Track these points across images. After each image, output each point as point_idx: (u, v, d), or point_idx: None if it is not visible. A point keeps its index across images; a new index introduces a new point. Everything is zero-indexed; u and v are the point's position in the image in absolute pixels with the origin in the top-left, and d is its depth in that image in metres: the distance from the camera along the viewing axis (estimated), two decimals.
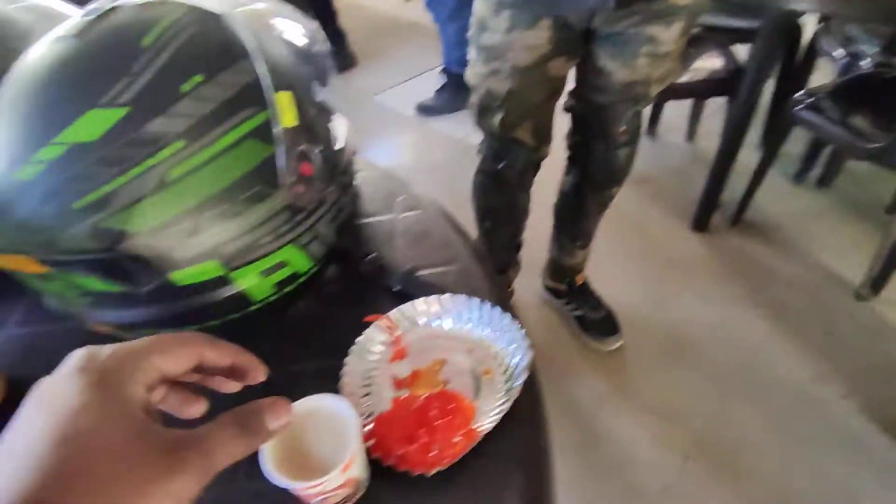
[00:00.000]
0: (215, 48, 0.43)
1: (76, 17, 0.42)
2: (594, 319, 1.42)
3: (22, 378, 0.51)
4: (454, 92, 2.28)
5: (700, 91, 1.69)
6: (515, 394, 0.44)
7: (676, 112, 2.12)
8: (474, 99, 1.09)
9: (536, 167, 1.20)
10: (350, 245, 0.61)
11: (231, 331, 0.49)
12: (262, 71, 0.43)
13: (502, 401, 0.45)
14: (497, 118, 1.07)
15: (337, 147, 0.54)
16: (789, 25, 1.69)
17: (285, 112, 0.45)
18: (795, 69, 1.88)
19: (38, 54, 0.41)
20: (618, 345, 1.40)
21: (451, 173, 1.64)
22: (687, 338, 1.45)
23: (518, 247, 1.43)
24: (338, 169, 0.53)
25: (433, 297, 0.52)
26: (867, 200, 1.81)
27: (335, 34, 2.77)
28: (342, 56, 2.79)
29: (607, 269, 1.62)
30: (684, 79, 1.64)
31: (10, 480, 0.21)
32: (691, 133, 2.10)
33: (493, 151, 1.16)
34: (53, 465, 0.22)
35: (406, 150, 2.31)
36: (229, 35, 0.43)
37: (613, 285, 1.56)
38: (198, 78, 0.40)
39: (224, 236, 0.42)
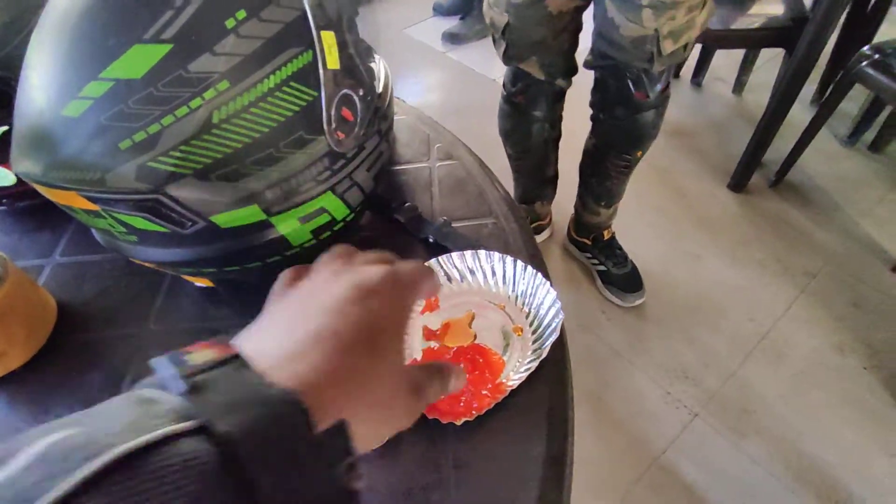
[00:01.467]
0: None
1: None
2: (618, 275, 1.41)
3: (71, 302, 0.53)
4: (479, 17, 2.19)
5: (754, 40, 1.58)
6: (544, 353, 0.44)
7: (726, 61, 2.00)
8: (488, 23, 1.07)
9: (555, 99, 1.17)
10: (386, 193, 0.60)
11: (270, 272, 0.50)
12: (307, 6, 0.41)
13: (531, 359, 0.45)
14: (501, 49, 1.06)
15: (378, 91, 0.53)
16: None
17: (330, 53, 0.43)
18: (865, 18, 1.74)
19: None
20: (639, 302, 1.40)
21: (483, 114, 1.59)
22: (710, 298, 1.43)
23: (548, 180, 1.40)
24: (379, 114, 0.52)
25: (468, 252, 0.51)
26: None
27: None
28: None
29: (636, 223, 1.59)
30: (737, 25, 1.53)
31: (297, 347, 0.24)
32: (740, 85, 1.98)
33: (509, 76, 1.16)
34: (350, 343, 0.25)
35: (437, 88, 2.25)
36: None
37: (641, 240, 1.54)
38: (241, 14, 0.39)
39: (265, 182, 0.42)
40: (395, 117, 0.71)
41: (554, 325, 0.46)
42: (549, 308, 0.48)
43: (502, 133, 1.28)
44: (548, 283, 0.49)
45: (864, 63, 1.37)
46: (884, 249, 1.51)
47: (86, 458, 0.16)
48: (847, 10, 1.74)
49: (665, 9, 0.88)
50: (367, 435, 0.25)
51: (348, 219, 0.51)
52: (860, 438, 1.19)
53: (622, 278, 1.41)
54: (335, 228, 0.50)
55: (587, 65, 1.10)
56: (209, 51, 0.38)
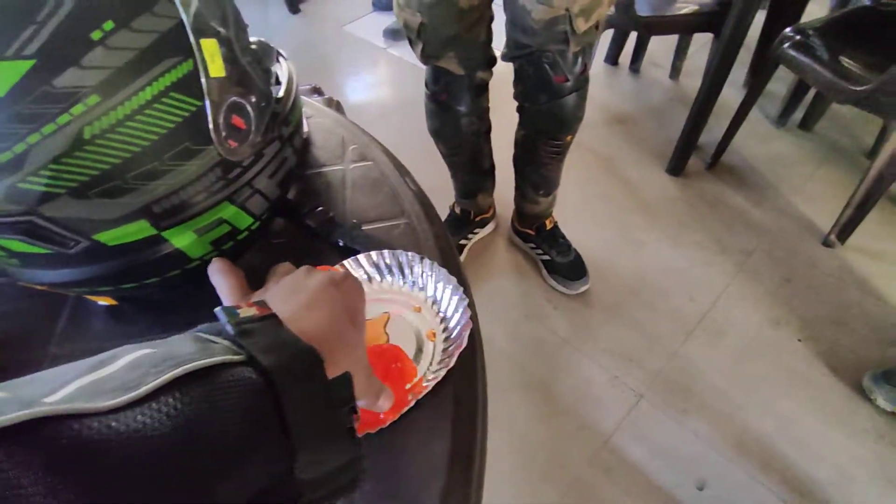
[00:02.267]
0: None
1: None
2: (562, 263, 1.44)
3: None
4: None
5: (684, 26, 1.62)
6: (451, 363, 0.44)
7: (662, 47, 2.05)
8: (402, 25, 1.08)
9: (478, 92, 1.18)
10: (299, 197, 0.60)
11: (172, 286, 0.49)
12: (183, 15, 0.40)
13: (437, 368, 0.45)
14: (418, 49, 1.07)
15: (278, 95, 0.52)
16: None
17: (213, 61, 0.42)
18: (788, 1, 1.80)
19: None
20: (584, 289, 1.43)
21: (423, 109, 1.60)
22: (653, 281, 1.48)
23: (485, 172, 1.41)
24: (278, 119, 0.51)
25: (377, 252, 0.51)
26: (848, 145, 1.80)
27: None
28: None
29: (578, 210, 1.62)
30: (669, 12, 1.57)
31: (308, 320, 0.32)
32: (675, 70, 2.04)
33: (430, 75, 1.17)
34: (338, 317, 0.34)
35: (379, 84, 2.24)
36: None
37: (583, 227, 1.57)
38: (109, 25, 0.37)
39: (151, 196, 0.41)
40: (310, 120, 0.70)
41: (463, 335, 0.45)
42: (460, 317, 0.47)
43: (432, 132, 1.28)
44: (460, 288, 0.48)
45: (787, 45, 1.42)
46: (815, 225, 1.58)
47: (173, 366, 0.22)
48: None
49: None
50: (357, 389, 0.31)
51: (253, 227, 0.50)
52: (796, 407, 1.25)
53: (566, 266, 1.44)
54: (239, 238, 0.49)
55: (504, 57, 1.11)
56: (76, 64, 0.36)
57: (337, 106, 1.24)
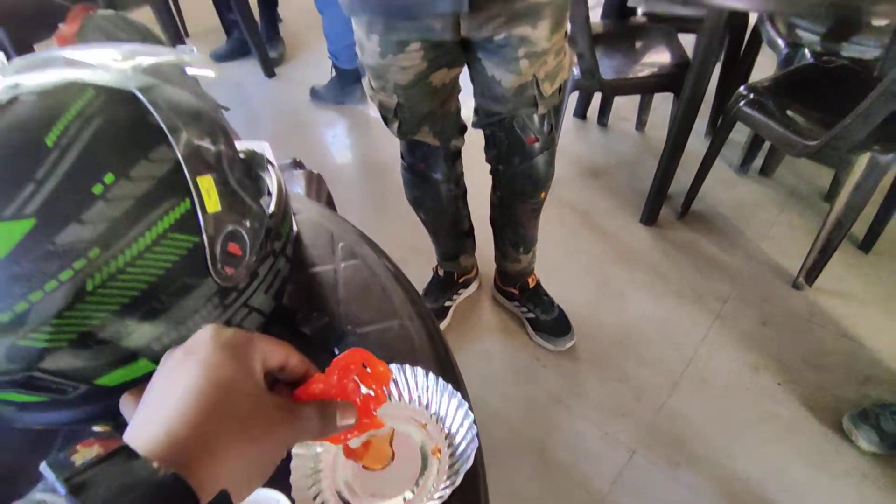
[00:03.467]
0: (127, 137, 0.41)
1: None
2: (546, 321, 1.46)
3: None
4: (340, 85, 2.33)
5: (646, 87, 1.71)
6: (457, 481, 0.44)
7: (627, 101, 2.15)
8: (376, 106, 1.13)
9: (452, 159, 1.23)
10: (290, 303, 0.61)
11: None
12: (180, 156, 0.42)
13: (445, 485, 0.45)
14: (394, 126, 1.12)
15: (269, 210, 0.54)
16: (734, 14, 1.72)
17: (209, 196, 0.44)
18: (740, 59, 1.92)
19: None
20: (570, 345, 1.45)
21: (389, 167, 1.64)
22: (636, 333, 1.50)
23: (464, 234, 1.44)
24: (271, 235, 0.52)
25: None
26: (806, 190, 1.89)
27: (272, 22, 2.71)
28: (276, 45, 2.72)
29: (558, 266, 1.65)
30: (631, 75, 1.65)
31: (167, 424, 0.27)
32: (641, 123, 2.13)
33: (406, 148, 1.22)
34: (207, 406, 0.28)
35: (355, 145, 2.28)
36: (141, 116, 0.41)
37: (565, 282, 1.60)
38: (109, 178, 0.39)
39: (152, 335, 0.41)
40: (298, 217, 0.72)
41: (469, 452, 0.45)
42: (466, 433, 0.47)
43: (411, 201, 1.32)
44: (465, 403, 0.48)
45: (742, 103, 1.51)
46: (783, 268, 1.64)
47: None
48: (724, 54, 1.93)
49: (538, 56, 0.98)
50: (249, 481, 0.29)
51: None
52: (781, 452, 1.26)
53: (551, 324, 1.45)
54: None
55: (476, 125, 1.17)
56: (76, 220, 0.37)
57: (318, 180, 1.26)
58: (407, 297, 0.61)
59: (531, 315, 1.47)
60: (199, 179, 0.43)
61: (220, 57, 2.72)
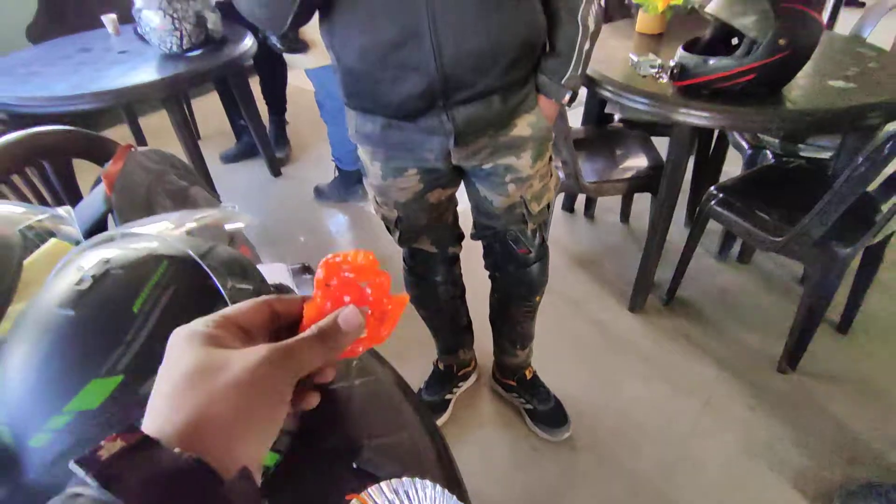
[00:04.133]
0: (194, 299, 0.51)
1: (70, 283, 0.50)
2: (544, 411, 1.52)
3: None
4: (342, 185, 2.50)
5: (626, 188, 1.87)
6: None
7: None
8: (380, 217, 1.24)
9: (451, 263, 1.34)
10: (310, 422, 0.69)
11: None
12: (228, 303, 0.52)
13: None
14: (395, 235, 1.24)
15: None
16: None
17: None
18: (711, 158, 2.10)
19: (40, 324, 0.48)
20: (566, 435, 1.50)
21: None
22: (631, 420, 1.56)
23: (463, 329, 1.53)
24: None
25: (395, 482, 0.59)
26: (782, 275, 2.01)
27: (280, 126, 2.91)
28: (283, 147, 2.92)
29: (553, 356, 1.73)
30: (611, 178, 1.81)
31: (178, 410, 0.28)
32: (625, 215, 2.28)
33: (407, 253, 1.32)
34: (206, 389, 0.28)
35: (358, 241, 2.42)
36: (202, 280, 0.52)
37: (560, 371, 1.67)
38: None
39: None
40: None
41: None
42: None
43: (412, 300, 1.42)
44: None
45: (713, 202, 1.65)
46: (767, 352, 1.72)
47: None
48: (696, 153, 2.11)
49: (523, 181, 1.11)
50: (262, 445, 0.30)
51: (280, 462, 0.58)
52: None
53: (548, 414, 1.51)
54: (269, 475, 0.57)
55: (474, 237, 1.30)
56: (156, 372, 0.47)
57: None
58: (416, 411, 0.69)
59: (529, 406, 1.53)
60: None
61: (230, 158, 2.91)
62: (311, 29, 1.98)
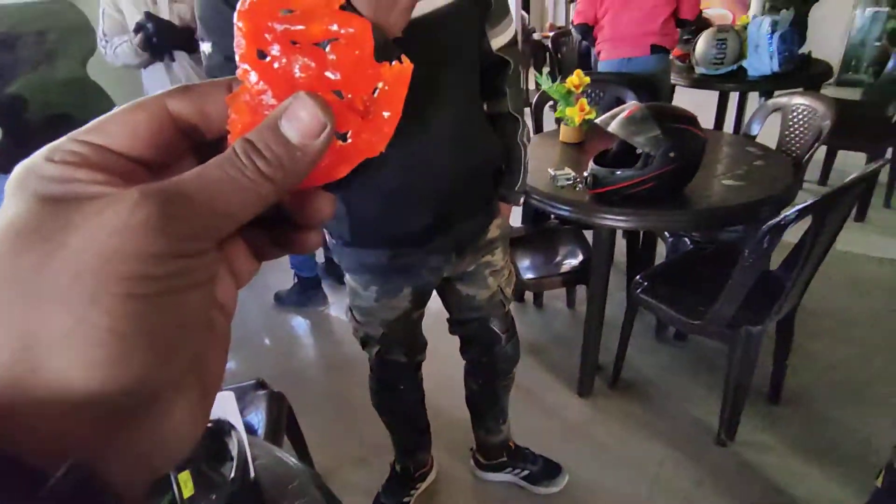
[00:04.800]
0: None
1: None
2: (539, 470, 1.64)
3: None
4: (302, 291, 2.61)
5: (562, 284, 2.03)
6: None
7: None
8: (355, 333, 1.33)
9: (416, 370, 1.45)
10: None
11: None
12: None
13: None
14: (374, 350, 1.34)
15: (231, 475, 0.71)
16: None
17: (185, 487, 0.62)
18: (643, 246, 2.30)
19: None
20: (567, 477, 1.64)
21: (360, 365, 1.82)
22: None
23: (422, 430, 1.60)
24: (234, 500, 0.69)
25: None
26: (714, 350, 2.14)
27: None
28: None
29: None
30: (548, 273, 1.97)
31: None
32: (570, 301, 2.43)
33: (377, 363, 1.40)
34: None
35: (316, 345, 2.50)
36: None
37: None
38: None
39: None
40: (258, 463, 0.88)
41: None
42: None
43: (376, 406, 1.50)
44: None
45: (639, 290, 1.81)
46: (707, 426, 1.82)
47: None
48: (627, 240, 2.30)
49: (499, 272, 1.29)
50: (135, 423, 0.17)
51: None
52: None
53: (543, 470, 1.64)
54: None
55: (453, 332, 1.43)
56: None
57: (279, 399, 1.43)
58: None
59: (526, 472, 1.64)
60: (180, 475, 0.61)
61: None
62: None
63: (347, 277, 1.24)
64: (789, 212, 1.37)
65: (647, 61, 2.67)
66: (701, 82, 3.00)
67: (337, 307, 2.64)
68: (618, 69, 2.70)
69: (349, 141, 0.21)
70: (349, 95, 0.21)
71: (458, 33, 0.98)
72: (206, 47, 0.85)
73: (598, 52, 2.81)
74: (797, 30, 3.87)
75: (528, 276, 1.94)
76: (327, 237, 1.21)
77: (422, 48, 0.64)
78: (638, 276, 1.86)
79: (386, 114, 0.22)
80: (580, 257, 2.02)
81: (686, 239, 2.09)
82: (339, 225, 1.11)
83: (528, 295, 2.51)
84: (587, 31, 2.81)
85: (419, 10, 0.86)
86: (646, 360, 2.12)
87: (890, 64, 3.14)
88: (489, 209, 1.22)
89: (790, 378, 1.89)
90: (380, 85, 0.21)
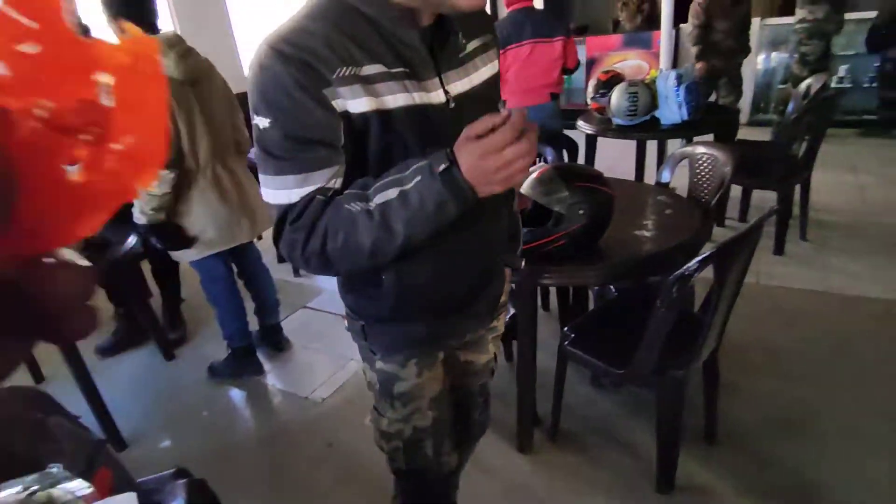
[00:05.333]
0: None
1: None
2: None
3: None
4: (235, 361, 2.52)
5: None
6: None
7: None
8: (396, 445, 1.19)
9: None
10: None
11: None
12: None
13: None
14: (429, 448, 1.19)
15: None
16: None
17: None
18: (574, 296, 2.35)
19: None
20: None
21: (298, 436, 1.74)
22: None
23: None
24: None
25: None
26: (650, 396, 2.18)
27: (174, 306, 2.92)
28: (177, 327, 2.90)
29: None
30: None
31: None
32: (508, 353, 2.44)
33: (415, 487, 1.30)
34: None
35: (253, 418, 2.40)
36: None
37: None
38: None
39: None
40: None
41: None
42: None
43: None
44: None
45: (567, 343, 1.84)
46: (646, 473, 1.83)
47: None
48: (559, 296, 2.35)
49: (497, 337, 1.32)
50: None
51: None
52: None
53: None
54: None
55: None
56: None
57: (202, 488, 1.35)
58: None
59: None
60: None
61: (107, 350, 2.77)
62: (193, 224, 2.13)
63: (380, 365, 1.12)
64: (692, 262, 1.44)
65: (545, 107, 3.35)
66: (619, 133, 3.17)
67: (273, 375, 2.57)
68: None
69: (80, 176, 0.14)
70: (51, 105, 0.14)
71: (494, 104, 1.04)
72: (262, 122, 0.84)
73: (505, 102, 3.04)
74: (735, 81, 4.21)
75: None
76: (347, 321, 1.13)
77: (474, 119, 0.77)
78: (565, 328, 1.90)
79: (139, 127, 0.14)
80: (510, 311, 2.04)
81: (611, 286, 2.15)
82: (375, 302, 1.04)
83: None
84: None
85: (468, 84, 0.95)
86: (584, 409, 2.13)
87: (790, 105, 3.40)
88: (504, 271, 1.23)
89: (724, 416, 1.94)
90: (102, 81, 0.14)
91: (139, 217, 2.03)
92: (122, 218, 2.07)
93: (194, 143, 2.06)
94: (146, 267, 2.86)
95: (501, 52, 3.12)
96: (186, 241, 2.13)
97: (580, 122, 3.49)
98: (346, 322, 1.15)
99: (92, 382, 2.10)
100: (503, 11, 3.42)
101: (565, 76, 3.45)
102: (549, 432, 2.01)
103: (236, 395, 2.49)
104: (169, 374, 2.67)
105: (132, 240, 2.25)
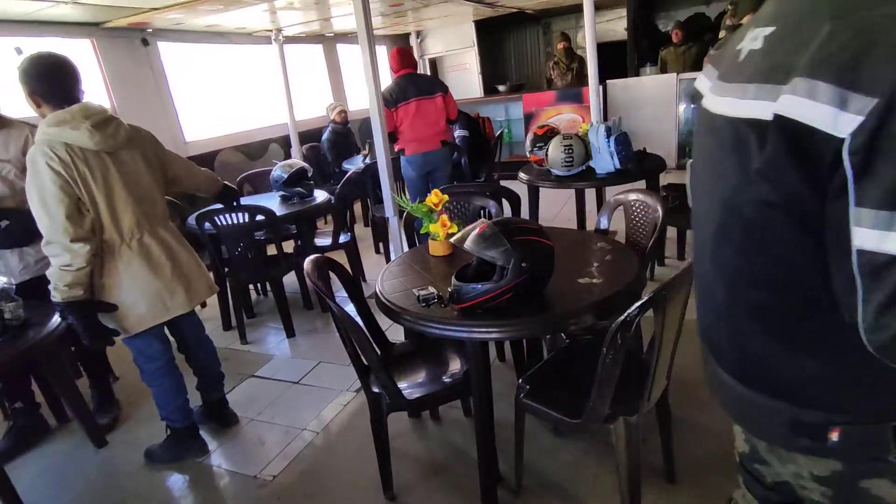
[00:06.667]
0: None
1: None
2: None
3: None
4: (175, 443, 2.36)
5: (444, 398, 2.02)
6: None
7: None
8: None
9: None
10: None
11: None
12: None
13: None
14: None
15: None
16: None
17: None
18: (528, 347, 2.35)
19: None
20: None
21: None
22: None
23: None
24: None
25: None
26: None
27: (104, 387, 2.74)
28: (109, 410, 2.71)
29: None
30: (430, 391, 1.94)
31: None
32: (466, 409, 2.40)
33: None
34: None
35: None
36: None
37: None
38: None
39: None
40: None
41: None
42: None
43: None
44: None
45: (522, 395, 1.82)
46: None
47: None
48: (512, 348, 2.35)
49: None
50: None
51: None
52: None
53: None
54: None
55: None
56: None
57: None
58: None
59: None
60: None
61: (5, 454, 2.45)
62: (122, 298, 2.02)
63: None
64: (632, 308, 1.48)
65: (437, 153, 4.12)
66: (558, 182, 3.30)
67: (219, 454, 2.40)
68: (422, 161, 4.09)
69: None
70: None
71: None
72: None
73: (403, 149, 4.08)
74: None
75: (415, 395, 1.90)
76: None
77: None
78: (520, 380, 1.89)
79: None
80: (459, 367, 2.02)
81: (561, 334, 2.18)
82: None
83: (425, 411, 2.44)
84: (391, 136, 3.93)
85: None
86: (547, 460, 2.09)
87: None
88: None
89: (681, 454, 1.95)
90: None
91: (54, 294, 1.90)
92: (45, 296, 1.95)
93: (115, 214, 1.99)
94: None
95: (393, 109, 3.94)
96: (108, 330, 2.01)
97: (521, 174, 3.62)
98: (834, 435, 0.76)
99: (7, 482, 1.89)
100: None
101: (450, 125, 4.30)
102: (513, 486, 1.96)
103: (177, 480, 2.30)
104: (100, 462, 2.45)
105: (55, 319, 2.10)
